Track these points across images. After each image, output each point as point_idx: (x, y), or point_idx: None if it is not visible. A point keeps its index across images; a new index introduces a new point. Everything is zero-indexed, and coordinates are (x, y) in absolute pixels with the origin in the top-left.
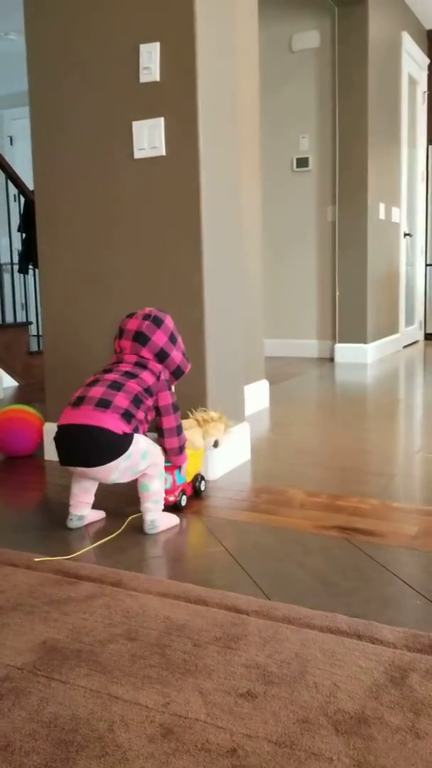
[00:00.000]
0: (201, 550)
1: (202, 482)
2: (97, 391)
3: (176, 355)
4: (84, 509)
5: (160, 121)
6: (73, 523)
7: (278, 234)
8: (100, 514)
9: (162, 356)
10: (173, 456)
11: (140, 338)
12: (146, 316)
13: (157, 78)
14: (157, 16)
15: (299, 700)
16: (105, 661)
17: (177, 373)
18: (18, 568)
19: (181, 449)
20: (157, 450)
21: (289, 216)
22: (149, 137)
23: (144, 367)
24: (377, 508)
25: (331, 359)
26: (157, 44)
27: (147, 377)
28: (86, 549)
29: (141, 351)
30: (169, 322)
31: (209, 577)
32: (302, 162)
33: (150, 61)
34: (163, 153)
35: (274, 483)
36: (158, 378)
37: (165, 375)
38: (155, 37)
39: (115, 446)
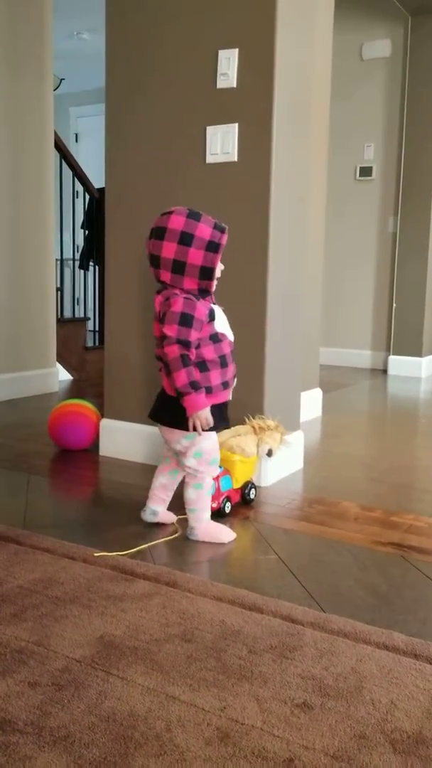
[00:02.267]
0: (254, 557)
1: (252, 490)
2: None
3: (195, 255)
4: (159, 505)
5: (234, 128)
6: (146, 515)
7: (337, 242)
8: (170, 518)
9: (178, 268)
10: (180, 397)
11: (153, 261)
12: (150, 234)
13: (234, 84)
14: (237, 22)
15: (356, 715)
16: (161, 660)
17: (205, 274)
18: (75, 561)
19: (183, 390)
20: (210, 468)
21: (349, 225)
22: (222, 143)
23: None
24: None
25: (384, 371)
26: (236, 51)
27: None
28: (142, 546)
29: (160, 276)
30: (174, 222)
31: (262, 584)
32: (366, 171)
33: (228, 68)
34: (235, 159)
35: (327, 494)
36: (164, 314)
37: (169, 305)
38: (234, 43)
39: (173, 408)
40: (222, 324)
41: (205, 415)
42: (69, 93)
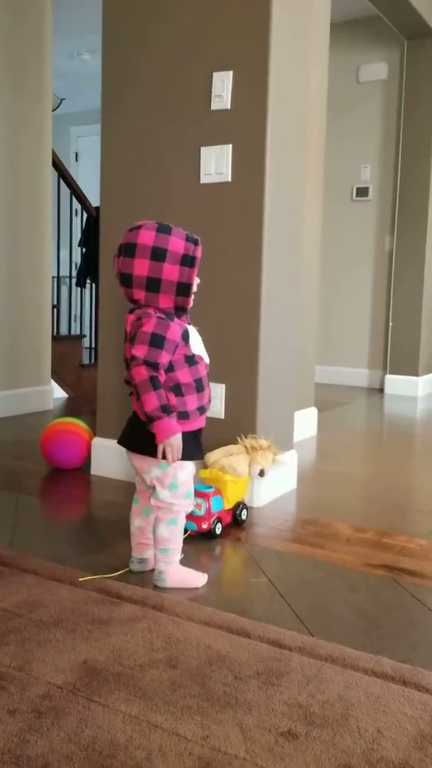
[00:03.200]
0: (244, 579)
1: (244, 511)
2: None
3: (170, 270)
4: (145, 551)
5: (228, 148)
6: (134, 566)
7: (334, 261)
8: None
9: (153, 285)
10: (149, 423)
11: (123, 280)
12: (118, 251)
13: (228, 106)
14: (231, 45)
15: (341, 745)
16: (145, 686)
17: (181, 290)
18: (62, 583)
19: (153, 414)
20: (185, 501)
21: (346, 244)
22: (216, 163)
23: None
24: (425, 548)
25: (381, 390)
26: (230, 73)
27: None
28: (126, 570)
29: (133, 295)
30: (144, 237)
31: (251, 607)
32: (362, 191)
33: (222, 89)
34: (229, 179)
35: (320, 514)
36: (134, 333)
37: (140, 325)
38: (229, 65)
39: (146, 434)
40: (197, 345)
41: (177, 442)
42: (69, 113)
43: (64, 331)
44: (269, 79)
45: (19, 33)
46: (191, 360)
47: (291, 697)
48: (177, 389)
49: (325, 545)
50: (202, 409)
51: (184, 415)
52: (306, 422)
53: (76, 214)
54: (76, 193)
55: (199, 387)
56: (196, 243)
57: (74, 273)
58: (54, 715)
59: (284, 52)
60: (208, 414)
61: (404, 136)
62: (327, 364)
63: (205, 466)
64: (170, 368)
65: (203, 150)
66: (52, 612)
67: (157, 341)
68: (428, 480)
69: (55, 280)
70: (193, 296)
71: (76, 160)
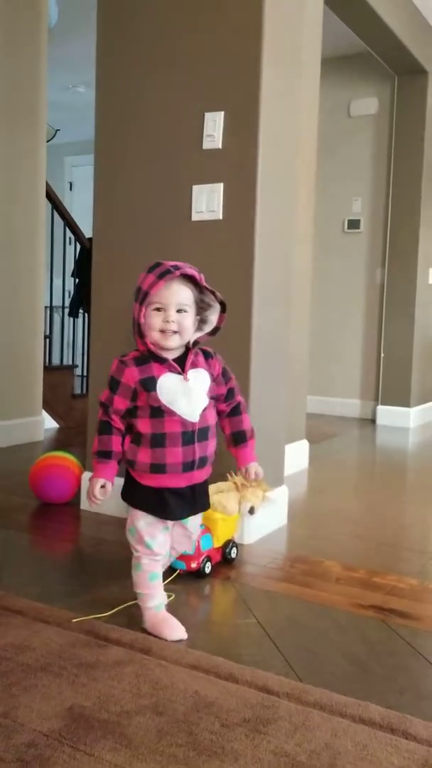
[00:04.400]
0: (232, 621)
1: (233, 549)
2: None
3: (135, 309)
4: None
5: (220, 187)
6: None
7: (326, 292)
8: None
9: (132, 326)
10: None
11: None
12: None
13: (220, 146)
14: (223, 85)
15: None
16: (131, 734)
17: (139, 330)
18: (49, 625)
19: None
20: (147, 550)
21: (337, 276)
22: (208, 201)
23: None
24: (416, 588)
25: (373, 420)
26: (222, 113)
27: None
28: (116, 609)
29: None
30: (138, 279)
31: (240, 650)
32: (354, 224)
33: (214, 129)
34: (220, 217)
35: (310, 552)
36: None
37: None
38: (220, 106)
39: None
40: (172, 397)
41: (93, 484)
42: (64, 143)
43: (56, 360)
44: (260, 119)
45: (14, 65)
46: (156, 411)
47: (278, 746)
48: (135, 437)
49: (315, 584)
50: (158, 468)
51: (130, 464)
52: (297, 455)
53: (70, 243)
54: (69, 223)
55: (156, 443)
56: (161, 276)
57: (67, 303)
58: (39, 765)
59: (275, 92)
60: None
61: (395, 169)
62: (318, 394)
63: None
64: (133, 413)
65: (195, 188)
66: (39, 655)
67: (111, 384)
68: (419, 516)
69: (47, 310)
70: (157, 334)
71: (71, 189)
